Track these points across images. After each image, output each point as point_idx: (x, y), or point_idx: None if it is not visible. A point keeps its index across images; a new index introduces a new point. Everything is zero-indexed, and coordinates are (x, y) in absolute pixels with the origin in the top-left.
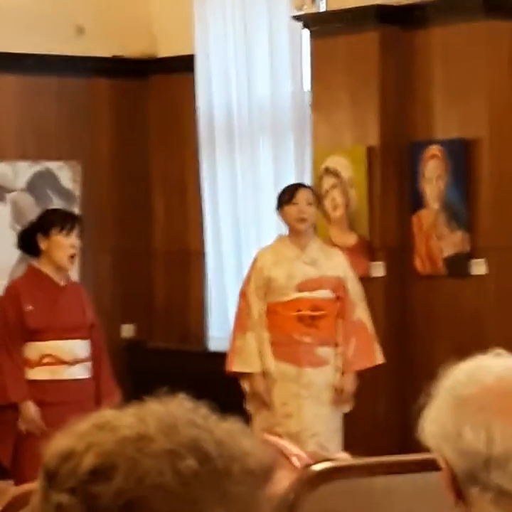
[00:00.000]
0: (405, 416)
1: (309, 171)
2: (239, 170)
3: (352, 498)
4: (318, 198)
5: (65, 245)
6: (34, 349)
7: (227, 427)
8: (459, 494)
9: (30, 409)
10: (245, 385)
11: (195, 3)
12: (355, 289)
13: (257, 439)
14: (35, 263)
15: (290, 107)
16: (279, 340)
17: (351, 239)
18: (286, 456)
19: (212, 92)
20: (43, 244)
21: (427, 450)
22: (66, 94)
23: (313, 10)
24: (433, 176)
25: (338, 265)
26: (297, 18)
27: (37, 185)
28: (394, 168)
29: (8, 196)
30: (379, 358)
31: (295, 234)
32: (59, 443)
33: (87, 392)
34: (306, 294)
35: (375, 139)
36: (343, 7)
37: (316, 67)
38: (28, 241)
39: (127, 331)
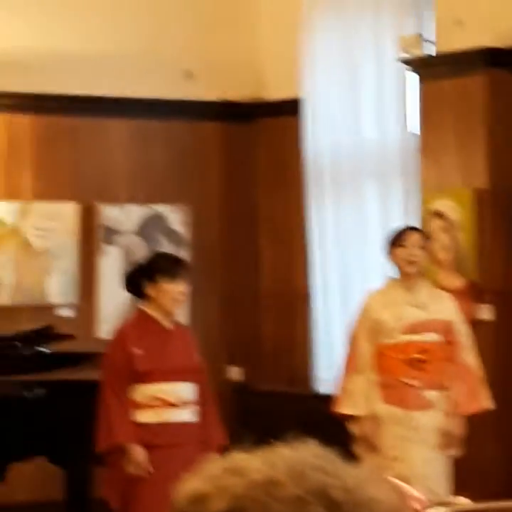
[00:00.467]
0: None
1: (416, 214)
2: (346, 213)
3: None
4: (429, 241)
5: (172, 292)
6: (141, 391)
7: (356, 474)
8: None
9: (138, 451)
10: (353, 428)
11: (303, 47)
12: (464, 333)
13: (386, 485)
14: (144, 306)
15: (397, 150)
16: (387, 382)
17: (459, 282)
18: (407, 500)
19: (319, 135)
20: (150, 290)
21: None
22: (174, 138)
23: (419, 52)
24: None
25: (447, 309)
26: (405, 61)
27: (147, 228)
28: (501, 210)
29: (119, 239)
30: (487, 403)
31: (404, 277)
32: (189, 485)
33: (194, 435)
34: (414, 337)
35: (482, 182)
36: (451, 50)
37: (425, 110)
38: (135, 285)
39: (235, 373)
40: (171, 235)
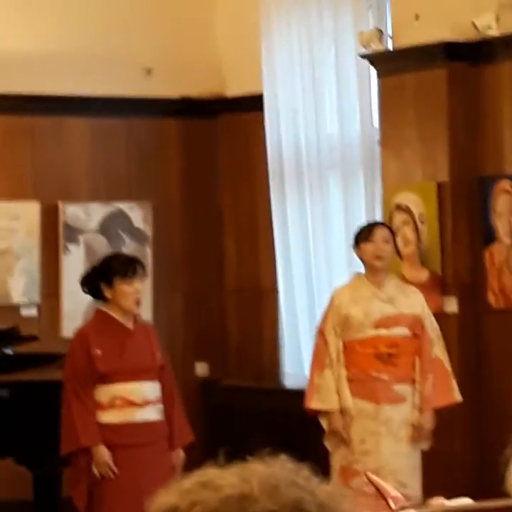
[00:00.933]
0: (482, 453)
1: (380, 208)
2: (309, 208)
3: None
4: (394, 235)
5: (129, 292)
6: (103, 392)
7: (329, 489)
8: None
9: (103, 453)
10: (324, 423)
11: (263, 43)
12: (432, 327)
13: (358, 503)
14: (103, 307)
15: (359, 144)
16: (357, 377)
17: (423, 275)
18: (384, 497)
19: (281, 130)
20: (107, 293)
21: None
22: (135, 135)
23: (380, 47)
24: (504, 211)
25: (415, 303)
26: (364, 56)
27: (109, 226)
28: (464, 203)
29: (81, 238)
30: (457, 396)
31: (372, 272)
32: (163, 499)
33: (159, 433)
34: (383, 332)
35: (445, 175)
36: (410, 44)
37: (385, 104)
38: (93, 287)
39: (201, 369)
40: (134, 232)
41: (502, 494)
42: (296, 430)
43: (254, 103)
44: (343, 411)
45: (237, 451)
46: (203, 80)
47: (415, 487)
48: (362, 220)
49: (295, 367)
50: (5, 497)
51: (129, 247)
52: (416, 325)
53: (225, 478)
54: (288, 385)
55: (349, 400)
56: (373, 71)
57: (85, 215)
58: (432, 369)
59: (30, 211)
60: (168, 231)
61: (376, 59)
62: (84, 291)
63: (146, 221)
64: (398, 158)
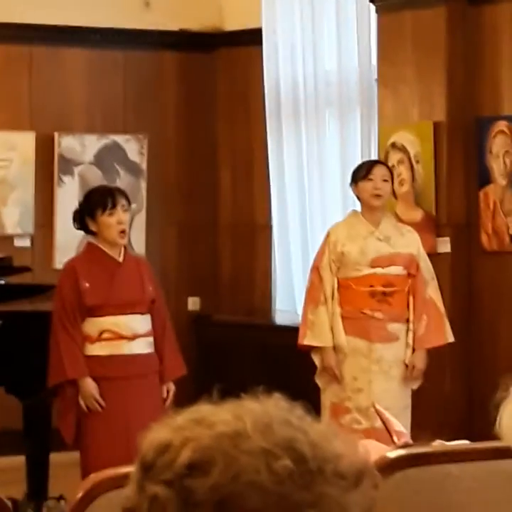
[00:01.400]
0: (471, 393)
1: (375, 146)
2: (305, 144)
3: (426, 485)
4: (393, 175)
5: (111, 224)
6: (93, 325)
7: (321, 429)
8: None
9: (89, 385)
10: (316, 359)
11: None
12: (426, 267)
13: (351, 441)
14: (93, 240)
15: (357, 82)
16: (351, 315)
17: (417, 214)
18: (388, 431)
19: (279, 65)
20: (92, 227)
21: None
22: (133, 67)
23: None
24: (500, 152)
25: (411, 243)
26: None
27: (104, 158)
28: (461, 143)
29: (76, 169)
30: (450, 337)
31: (369, 210)
32: (156, 435)
33: (149, 366)
34: (378, 270)
35: (441, 115)
36: None
37: (383, 42)
38: (80, 222)
39: (193, 304)
40: (129, 165)
41: (490, 434)
42: (286, 366)
43: (252, 37)
44: (336, 348)
45: (228, 386)
46: (202, 14)
47: (405, 426)
48: (357, 158)
49: (287, 303)
50: None
51: (123, 180)
52: (411, 264)
53: (218, 415)
54: (279, 321)
55: (343, 337)
56: (373, 8)
57: (81, 146)
58: (425, 309)
59: (26, 142)
60: (163, 164)
61: None
62: (75, 227)
63: (142, 154)
64: (395, 97)
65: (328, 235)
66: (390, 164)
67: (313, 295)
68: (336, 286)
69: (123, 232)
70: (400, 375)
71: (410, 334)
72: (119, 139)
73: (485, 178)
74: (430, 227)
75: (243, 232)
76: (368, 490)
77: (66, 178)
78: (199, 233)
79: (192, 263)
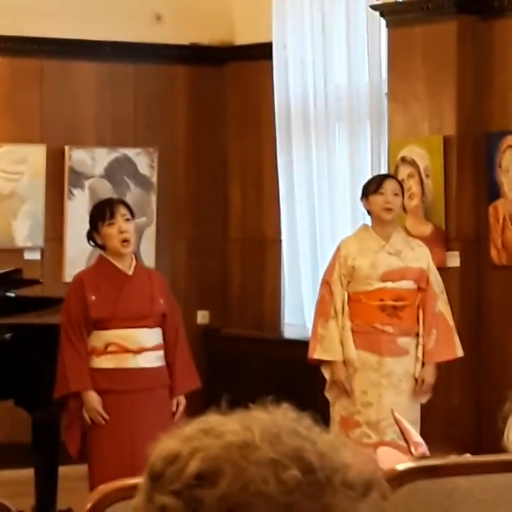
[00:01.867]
0: (479, 406)
1: (385, 160)
2: (315, 158)
3: (435, 498)
4: (403, 189)
5: (112, 234)
6: (99, 337)
7: (329, 439)
8: None
9: (92, 398)
10: (326, 373)
11: None
12: (436, 281)
13: (359, 451)
14: (104, 253)
15: (367, 96)
16: (361, 329)
17: (427, 229)
18: (406, 441)
19: (289, 79)
20: (98, 240)
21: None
22: (143, 81)
23: None
24: (510, 166)
25: (421, 257)
26: (375, 7)
27: (114, 171)
28: (470, 158)
29: (86, 183)
30: (459, 352)
31: (380, 224)
32: (165, 445)
33: (157, 380)
34: (389, 284)
35: (451, 129)
36: None
37: (393, 56)
38: (90, 238)
39: (202, 317)
40: (139, 178)
41: (498, 447)
42: (295, 380)
43: (263, 51)
44: (346, 362)
45: (237, 400)
46: (213, 27)
47: None
48: (367, 173)
49: (296, 317)
50: (4, 439)
51: (133, 193)
52: (421, 279)
53: (227, 425)
54: (288, 335)
55: (353, 351)
56: (383, 22)
57: (91, 160)
58: (435, 323)
59: (36, 155)
60: (173, 178)
61: (386, 10)
62: (89, 244)
63: (152, 167)
64: (405, 111)
65: (338, 249)
66: (399, 178)
67: (323, 309)
68: (346, 300)
69: (126, 241)
70: (409, 389)
71: (420, 348)
72: (130, 152)
73: (494, 192)
74: (440, 241)
75: (252, 246)
76: (376, 500)
77: (76, 191)
78: (209, 247)
79: (201, 276)
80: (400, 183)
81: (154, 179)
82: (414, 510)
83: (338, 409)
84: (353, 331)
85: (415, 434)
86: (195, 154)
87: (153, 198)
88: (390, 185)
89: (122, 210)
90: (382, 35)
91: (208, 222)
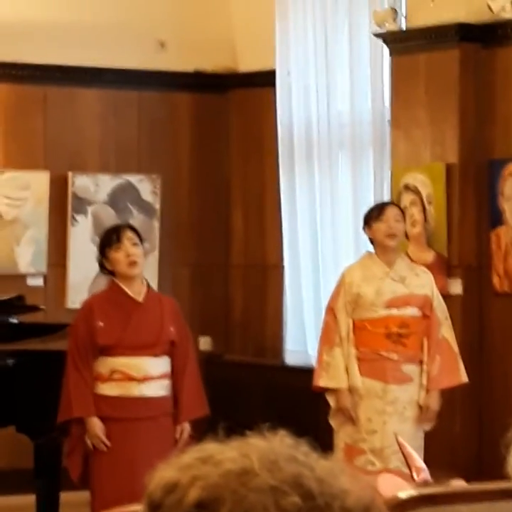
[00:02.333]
0: (481, 434)
1: (388, 187)
2: (317, 185)
3: None
4: (404, 215)
5: (120, 259)
6: (105, 364)
7: (327, 465)
8: None
9: (95, 425)
10: (331, 400)
11: (277, 19)
12: (440, 308)
13: (357, 477)
14: (115, 278)
15: (370, 123)
16: (366, 356)
17: (429, 256)
18: (408, 466)
19: (292, 107)
20: (108, 266)
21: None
22: (147, 108)
23: (395, 27)
24: None
25: (426, 283)
26: (378, 35)
27: (118, 198)
28: (473, 185)
29: (90, 209)
30: (463, 378)
31: (383, 251)
32: (163, 474)
33: (161, 409)
34: (394, 311)
35: (454, 157)
36: (424, 25)
37: (396, 84)
38: (100, 266)
39: (204, 343)
40: (142, 205)
41: (501, 474)
42: (297, 407)
43: (266, 79)
44: (351, 389)
45: (239, 427)
46: (216, 55)
47: None
48: (370, 199)
49: (298, 344)
50: (6, 465)
51: (136, 219)
52: (426, 305)
53: (225, 453)
54: (290, 361)
55: (358, 379)
56: (386, 50)
57: (94, 186)
58: (439, 350)
59: (40, 181)
60: (176, 205)
61: (390, 38)
62: (102, 272)
63: (155, 194)
64: (408, 139)
65: (343, 277)
66: (402, 205)
67: (328, 336)
68: (351, 327)
69: (132, 263)
70: (413, 417)
71: (424, 375)
72: (133, 178)
73: (496, 219)
74: (442, 268)
75: (255, 272)
76: None
77: (79, 218)
78: (211, 273)
79: (204, 303)
80: (402, 210)
81: (157, 206)
82: None
83: (342, 436)
84: (358, 359)
85: (418, 460)
86: (198, 181)
87: (156, 224)
88: (391, 212)
89: (129, 234)
90: (385, 62)
91: (210, 248)
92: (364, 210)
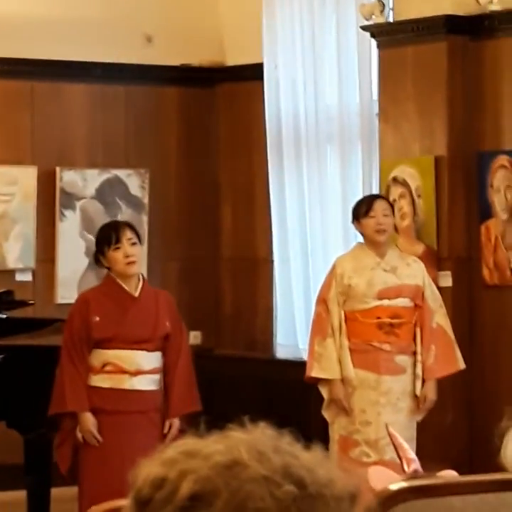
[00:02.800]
0: (472, 425)
1: (377, 180)
2: (306, 178)
3: None
4: (393, 207)
5: (118, 259)
6: (97, 356)
7: (310, 455)
8: None
9: (88, 420)
10: (324, 392)
11: (265, 12)
12: (434, 296)
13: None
14: (111, 272)
15: (358, 116)
16: (359, 347)
17: (419, 248)
18: (399, 457)
19: (280, 100)
20: (104, 263)
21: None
22: (134, 102)
23: (382, 20)
24: (501, 186)
25: (417, 273)
26: (365, 28)
27: (106, 192)
28: (462, 178)
29: (78, 204)
30: (461, 364)
31: (373, 245)
32: (148, 470)
33: (151, 403)
34: (385, 302)
35: (443, 149)
36: (411, 17)
37: (384, 77)
38: (96, 259)
39: (194, 338)
40: (130, 199)
41: (492, 466)
42: (288, 401)
43: (254, 72)
44: (344, 381)
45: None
46: (204, 49)
47: None
48: (359, 192)
49: (288, 337)
50: None
51: (125, 214)
52: (417, 295)
53: (210, 446)
54: (280, 355)
55: (351, 370)
56: (374, 43)
57: (82, 181)
58: (433, 339)
59: (27, 176)
60: (164, 199)
61: (377, 31)
62: (97, 265)
63: (143, 188)
64: (396, 132)
65: (334, 268)
66: (391, 198)
67: (320, 327)
68: (343, 318)
69: (130, 263)
70: (407, 408)
71: (419, 365)
72: (121, 173)
73: (486, 212)
74: (431, 261)
75: (244, 266)
76: None
77: (68, 213)
78: (200, 267)
79: (193, 297)
80: (390, 203)
81: (146, 200)
82: None
83: (336, 428)
84: (350, 350)
85: (409, 451)
86: (186, 175)
87: (145, 218)
88: (380, 207)
89: (128, 234)
90: (372, 55)
91: (199, 242)
92: (353, 203)
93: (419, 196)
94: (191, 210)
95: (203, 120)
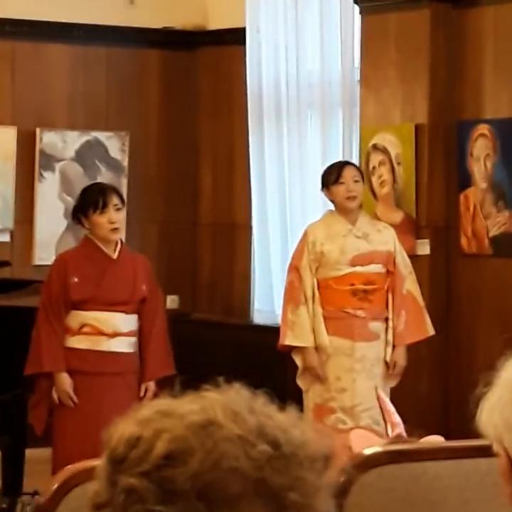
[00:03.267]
0: (448, 393)
1: (357, 147)
2: (286, 144)
3: (402, 483)
4: (363, 174)
5: (102, 223)
6: (75, 317)
7: (284, 417)
8: None
9: (65, 380)
10: (297, 360)
11: None
12: (404, 262)
13: (312, 428)
14: (90, 234)
15: (339, 83)
16: (333, 315)
17: (397, 216)
18: (385, 421)
19: (262, 65)
20: (85, 224)
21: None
22: (116, 64)
23: None
24: (481, 155)
25: (388, 239)
26: None
27: (85, 155)
28: (442, 146)
29: (57, 165)
30: (430, 330)
31: (344, 212)
32: (122, 429)
33: (127, 365)
34: (358, 269)
35: (423, 117)
36: None
37: (366, 43)
38: (76, 219)
39: (171, 302)
40: (110, 162)
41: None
42: (264, 366)
43: (236, 37)
44: (318, 348)
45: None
46: (186, 12)
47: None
48: (339, 159)
49: (265, 303)
50: None
51: (104, 176)
52: (389, 261)
53: (185, 406)
54: (258, 321)
55: (325, 337)
56: (357, 9)
57: (62, 142)
58: (404, 305)
59: (7, 137)
60: (144, 162)
61: None
62: (74, 222)
63: (123, 151)
64: (377, 99)
65: (305, 235)
66: (370, 166)
67: (293, 295)
68: (316, 286)
69: (114, 229)
70: (381, 374)
71: (390, 331)
72: (101, 135)
73: (465, 181)
74: (410, 229)
75: (223, 231)
76: (333, 474)
77: (47, 174)
78: (179, 231)
79: (171, 261)
80: (359, 169)
81: (125, 163)
82: (381, 494)
83: (311, 396)
84: (324, 318)
85: (395, 415)
86: (166, 138)
87: (124, 181)
88: (349, 173)
89: (115, 200)
90: (355, 22)
91: (178, 206)
92: None
93: (399, 164)
94: (171, 174)
95: (184, 84)
